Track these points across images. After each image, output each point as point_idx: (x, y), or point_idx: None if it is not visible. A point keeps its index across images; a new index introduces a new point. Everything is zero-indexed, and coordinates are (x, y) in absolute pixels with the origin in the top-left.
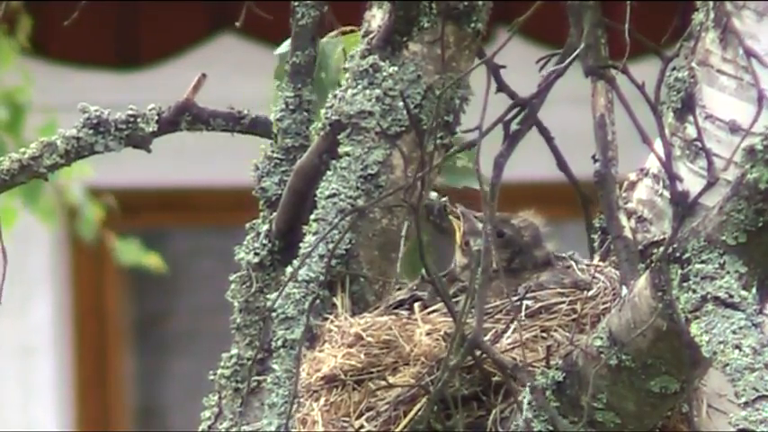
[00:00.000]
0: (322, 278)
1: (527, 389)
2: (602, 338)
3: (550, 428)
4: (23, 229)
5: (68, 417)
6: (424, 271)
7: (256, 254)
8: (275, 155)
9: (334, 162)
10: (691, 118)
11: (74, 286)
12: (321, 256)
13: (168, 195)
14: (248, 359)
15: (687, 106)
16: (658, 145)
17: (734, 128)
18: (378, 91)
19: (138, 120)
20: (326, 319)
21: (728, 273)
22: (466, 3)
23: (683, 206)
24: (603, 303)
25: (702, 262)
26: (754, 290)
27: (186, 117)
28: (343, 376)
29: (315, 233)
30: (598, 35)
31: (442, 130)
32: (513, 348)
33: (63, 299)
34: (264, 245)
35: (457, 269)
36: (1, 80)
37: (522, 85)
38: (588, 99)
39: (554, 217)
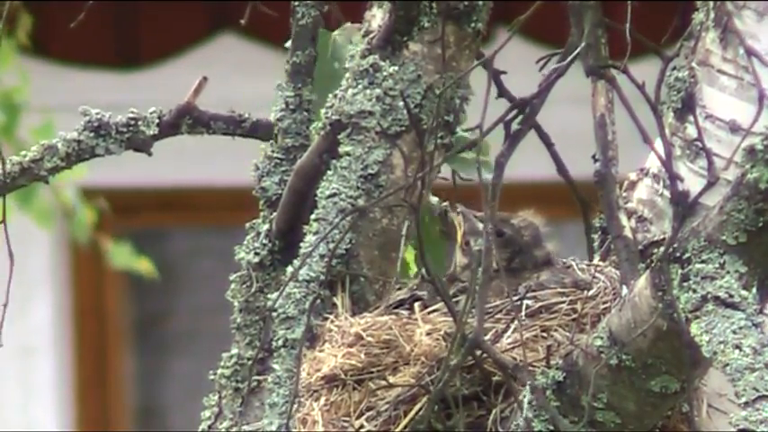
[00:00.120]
0: (322, 278)
1: (528, 388)
2: (602, 338)
3: (551, 428)
4: (23, 230)
5: (68, 417)
6: (424, 271)
7: (256, 254)
8: (275, 155)
9: (334, 162)
10: (691, 118)
11: (74, 286)
12: (322, 256)
13: (168, 195)
14: (248, 359)
15: (687, 106)
16: (659, 145)
17: (734, 128)
18: (378, 91)
19: (139, 123)
20: (327, 318)
21: (729, 272)
22: (466, 3)
23: (684, 206)
24: (604, 303)
25: (703, 262)
26: (754, 290)
27: (187, 120)
28: (343, 376)
29: (315, 233)
30: (598, 35)
31: (443, 129)
32: (513, 348)
33: (63, 299)
34: (265, 245)
35: (457, 269)
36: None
37: (522, 85)
38: (588, 99)
39: (554, 217)
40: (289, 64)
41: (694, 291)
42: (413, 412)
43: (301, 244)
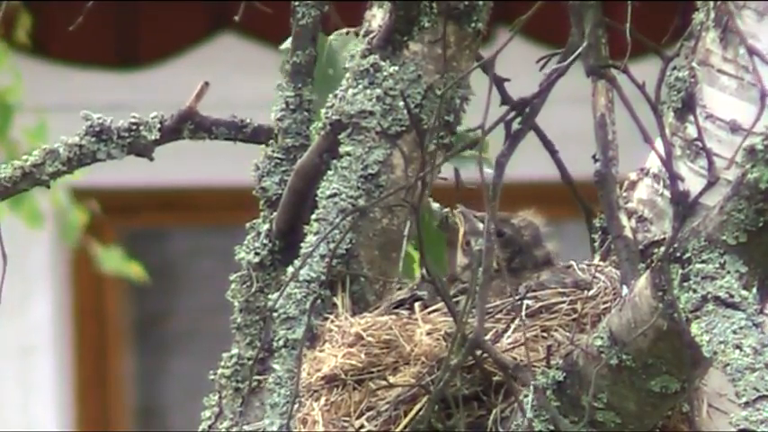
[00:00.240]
0: (323, 278)
1: (529, 388)
2: (602, 338)
3: (551, 428)
4: (23, 229)
5: (68, 416)
6: (424, 271)
7: (257, 253)
8: (275, 154)
9: (334, 162)
10: (691, 118)
11: (74, 286)
12: (322, 256)
13: (168, 195)
14: (249, 359)
15: (688, 106)
16: (659, 144)
17: (734, 127)
18: (378, 91)
19: (141, 128)
20: (327, 318)
21: (729, 272)
22: (466, 2)
23: (684, 206)
24: (604, 303)
25: (703, 262)
26: (754, 290)
27: (189, 125)
28: (343, 376)
29: (316, 233)
30: (599, 35)
31: (443, 129)
32: (513, 348)
33: (63, 298)
34: (265, 244)
35: (458, 269)
36: None
37: (522, 85)
38: (589, 99)
39: (554, 217)
40: (289, 64)
41: (695, 291)
42: (413, 412)
43: (302, 244)
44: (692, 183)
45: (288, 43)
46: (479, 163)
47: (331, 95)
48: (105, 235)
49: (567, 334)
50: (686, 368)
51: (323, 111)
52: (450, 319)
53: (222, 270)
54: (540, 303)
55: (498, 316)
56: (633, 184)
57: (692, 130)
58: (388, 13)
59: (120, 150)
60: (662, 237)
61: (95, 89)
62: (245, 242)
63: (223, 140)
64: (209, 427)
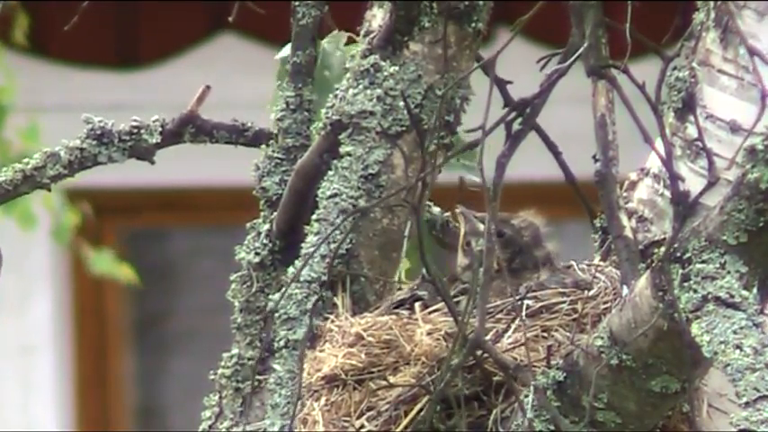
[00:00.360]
0: (324, 278)
1: (530, 388)
2: (602, 338)
3: (551, 428)
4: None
5: (68, 416)
6: (424, 271)
7: (257, 253)
8: (276, 154)
9: (335, 162)
10: (691, 118)
11: (73, 285)
12: (323, 257)
13: (169, 195)
14: (249, 359)
15: (688, 106)
16: (659, 145)
17: (734, 128)
18: (378, 91)
19: (142, 131)
20: (327, 318)
21: (729, 273)
22: (467, 2)
23: (684, 206)
24: (604, 303)
25: (703, 262)
26: (754, 290)
27: (190, 129)
28: (343, 376)
29: (316, 233)
30: (599, 35)
31: (443, 129)
32: (513, 348)
33: (63, 298)
34: (265, 244)
35: (458, 269)
36: None
37: (523, 85)
38: (589, 99)
39: (555, 217)
40: (289, 64)
41: (695, 291)
42: (413, 412)
43: (302, 244)
44: (693, 183)
45: (284, 52)
46: (479, 163)
47: (331, 95)
48: (105, 236)
49: (568, 334)
50: (686, 368)
51: (323, 111)
52: (451, 319)
53: (222, 270)
54: (541, 303)
55: (498, 316)
56: (633, 185)
57: (692, 131)
58: (389, 13)
59: (122, 154)
60: (662, 237)
61: (95, 89)
62: (246, 242)
63: (224, 144)
64: (210, 427)
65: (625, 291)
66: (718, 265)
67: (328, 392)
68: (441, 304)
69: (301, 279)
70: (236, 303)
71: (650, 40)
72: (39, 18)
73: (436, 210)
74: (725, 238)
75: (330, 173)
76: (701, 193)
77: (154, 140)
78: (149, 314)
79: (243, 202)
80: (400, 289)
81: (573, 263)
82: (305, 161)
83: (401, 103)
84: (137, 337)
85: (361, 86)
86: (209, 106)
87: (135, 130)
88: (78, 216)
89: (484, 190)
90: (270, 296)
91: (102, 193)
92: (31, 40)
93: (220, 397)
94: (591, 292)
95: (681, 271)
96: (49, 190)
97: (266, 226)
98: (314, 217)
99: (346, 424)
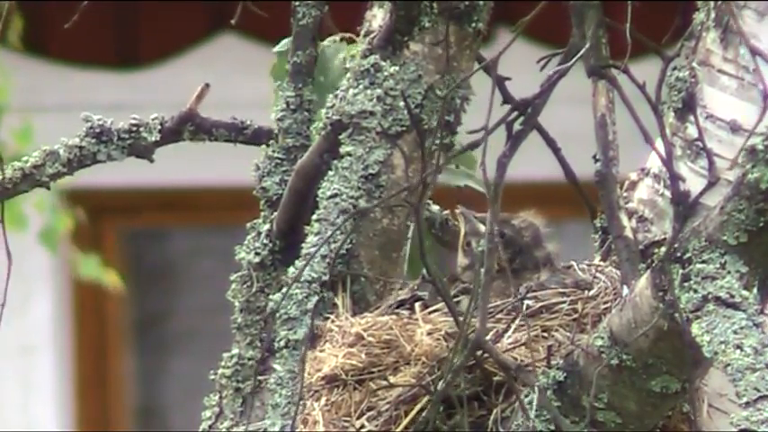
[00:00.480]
0: (324, 278)
1: (532, 388)
2: (603, 338)
3: (552, 428)
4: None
5: (68, 416)
6: (424, 271)
7: (257, 254)
8: (276, 155)
9: (335, 162)
10: (691, 118)
11: (73, 285)
12: (323, 257)
13: (169, 195)
14: (249, 359)
15: (688, 106)
16: (659, 145)
17: (735, 128)
18: (379, 91)
19: (141, 129)
20: (327, 318)
21: (729, 273)
22: (467, 2)
23: (685, 206)
24: (604, 303)
25: (703, 262)
26: (755, 290)
27: (189, 127)
28: (344, 376)
29: (317, 233)
30: (599, 35)
31: (443, 129)
32: (514, 348)
33: (63, 298)
34: (265, 244)
35: (458, 269)
36: None
37: (523, 85)
38: (589, 99)
39: (555, 217)
40: (289, 64)
41: (695, 291)
42: (413, 412)
43: (302, 244)
44: (693, 183)
45: (281, 46)
46: (482, 164)
47: (331, 95)
48: (105, 236)
49: (568, 334)
50: (687, 368)
51: (323, 111)
52: (451, 319)
53: (222, 270)
54: (541, 303)
55: (499, 316)
56: (634, 185)
57: (692, 131)
58: (389, 13)
59: (121, 152)
60: (662, 237)
61: (95, 89)
62: (246, 242)
63: (223, 142)
64: (210, 427)
65: (625, 291)
66: (718, 265)
67: (328, 392)
68: (441, 304)
69: (302, 279)
70: (237, 303)
71: (650, 40)
72: (38, 18)
73: (435, 208)
74: (725, 238)
75: (330, 173)
76: (702, 194)
77: (153, 138)
78: (149, 314)
79: (243, 202)
80: (401, 289)
81: (573, 263)
82: (305, 161)
83: (401, 104)
84: (137, 337)
85: (361, 86)
86: (210, 106)
87: (134, 129)
88: (72, 220)
89: (486, 189)
90: (270, 296)
91: (102, 193)
92: (31, 40)
93: (220, 397)
94: (591, 293)
95: (681, 271)
96: (49, 188)
97: (266, 226)
98: (314, 217)
99: (346, 424)
